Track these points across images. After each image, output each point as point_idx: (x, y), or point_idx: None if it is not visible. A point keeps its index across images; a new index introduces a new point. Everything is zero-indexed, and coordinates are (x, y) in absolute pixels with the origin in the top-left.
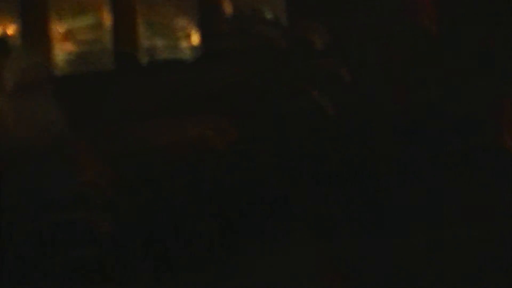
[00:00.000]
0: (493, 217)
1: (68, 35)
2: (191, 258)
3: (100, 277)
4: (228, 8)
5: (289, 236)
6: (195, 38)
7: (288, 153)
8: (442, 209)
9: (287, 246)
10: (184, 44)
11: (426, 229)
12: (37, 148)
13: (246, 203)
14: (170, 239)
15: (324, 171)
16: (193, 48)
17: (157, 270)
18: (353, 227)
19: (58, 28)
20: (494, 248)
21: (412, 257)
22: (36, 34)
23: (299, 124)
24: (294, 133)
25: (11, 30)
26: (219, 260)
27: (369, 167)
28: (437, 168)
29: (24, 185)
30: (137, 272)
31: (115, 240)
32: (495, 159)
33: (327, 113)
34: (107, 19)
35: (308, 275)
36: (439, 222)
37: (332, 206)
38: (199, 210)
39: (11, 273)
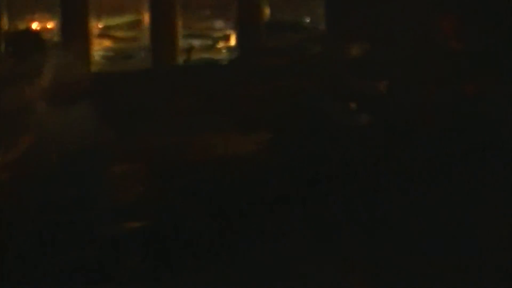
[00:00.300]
0: None
1: (106, 34)
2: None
3: None
4: (267, 12)
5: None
6: (233, 40)
7: (328, 168)
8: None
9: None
10: (222, 45)
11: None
12: (74, 147)
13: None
14: None
15: (364, 186)
16: (231, 50)
17: None
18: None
19: (96, 26)
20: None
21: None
22: (74, 32)
23: (340, 138)
24: (336, 148)
25: (49, 27)
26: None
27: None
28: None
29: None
30: None
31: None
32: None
33: (366, 126)
34: (146, 18)
35: None
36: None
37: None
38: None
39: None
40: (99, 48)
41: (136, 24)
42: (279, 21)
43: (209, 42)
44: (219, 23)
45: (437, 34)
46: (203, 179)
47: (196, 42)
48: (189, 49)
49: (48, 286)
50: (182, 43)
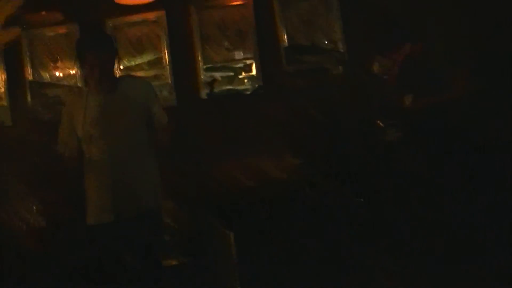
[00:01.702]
0: None
1: (129, 72)
2: None
3: None
4: (287, 40)
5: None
6: (255, 70)
7: (361, 187)
8: None
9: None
10: (244, 76)
11: None
12: None
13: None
14: None
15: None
16: (254, 80)
17: None
18: None
19: (117, 68)
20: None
21: None
22: None
23: (371, 158)
24: (367, 168)
25: (72, 73)
26: None
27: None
28: None
29: None
30: None
31: None
32: None
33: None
34: (166, 56)
35: None
36: None
37: None
38: None
39: None
40: None
41: (156, 62)
42: (298, 45)
43: (231, 73)
44: (239, 54)
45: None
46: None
47: (218, 74)
48: (212, 82)
49: None
50: (204, 76)
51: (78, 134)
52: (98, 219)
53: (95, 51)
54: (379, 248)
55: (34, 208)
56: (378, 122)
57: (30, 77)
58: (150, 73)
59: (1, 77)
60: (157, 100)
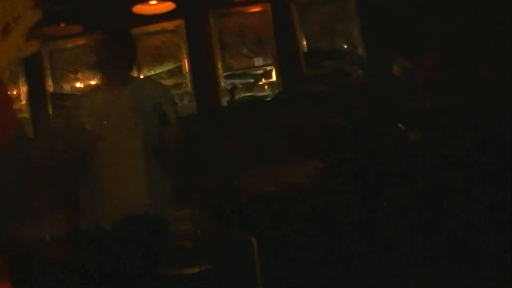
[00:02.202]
0: None
1: None
2: None
3: None
4: (306, 46)
5: None
6: (275, 76)
7: (383, 193)
8: None
9: None
10: (264, 82)
11: None
12: None
13: None
14: None
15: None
16: (274, 84)
17: None
18: None
19: (140, 74)
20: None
21: None
22: None
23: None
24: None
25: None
26: None
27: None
28: None
29: None
30: None
31: None
32: None
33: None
34: (186, 64)
35: None
36: None
37: None
38: None
39: None
40: None
41: (176, 71)
42: (317, 50)
43: (251, 80)
44: (258, 60)
45: None
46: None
47: (238, 82)
48: (232, 89)
49: None
50: (224, 84)
51: (79, 132)
52: (95, 222)
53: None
54: (400, 255)
55: (54, 218)
56: (399, 124)
57: (51, 89)
58: (170, 82)
59: (22, 89)
60: (170, 102)
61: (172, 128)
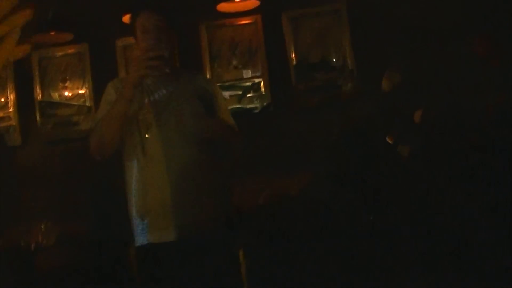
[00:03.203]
0: None
1: None
2: None
3: None
4: (296, 58)
5: None
6: (264, 89)
7: (380, 203)
8: None
9: None
10: (252, 95)
11: None
12: None
13: None
14: None
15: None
16: (262, 99)
17: None
18: None
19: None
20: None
21: None
22: None
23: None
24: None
25: (81, 93)
26: None
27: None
28: None
29: None
30: None
31: None
32: None
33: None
34: None
35: None
36: None
37: None
38: None
39: None
40: None
41: None
42: (307, 62)
43: (239, 91)
44: (247, 72)
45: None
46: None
47: (226, 93)
48: None
49: None
50: None
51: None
52: (156, 237)
53: (152, 9)
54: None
55: (43, 227)
56: (388, 138)
57: (40, 97)
58: None
59: (10, 97)
60: (224, 101)
61: (217, 122)
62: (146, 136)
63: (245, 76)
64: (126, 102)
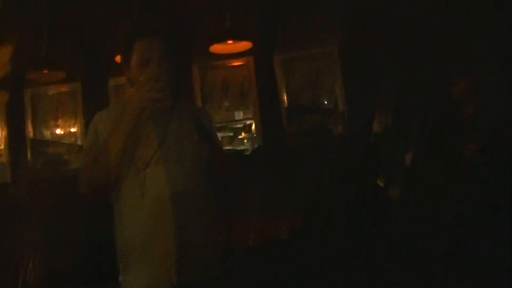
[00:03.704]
0: None
1: None
2: None
3: None
4: (288, 100)
5: None
6: (255, 131)
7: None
8: None
9: None
10: (243, 136)
11: None
12: None
13: None
14: None
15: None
16: (253, 140)
17: None
18: None
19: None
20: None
21: None
22: None
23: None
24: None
25: (73, 131)
26: None
27: None
28: None
29: None
30: None
31: None
32: None
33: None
34: None
35: None
36: None
37: None
38: None
39: None
40: None
41: None
42: (299, 105)
43: (230, 133)
44: (238, 114)
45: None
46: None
47: (218, 135)
48: None
49: None
50: None
51: (118, 160)
52: (154, 283)
53: (153, 36)
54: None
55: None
56: (378, 182)
57: (31, 135)
58: None
59: (2, 134)
60: (214, 129)
61: (213, 145)
62: (144, 174)
63: (236, 118)
64: (124, 137)
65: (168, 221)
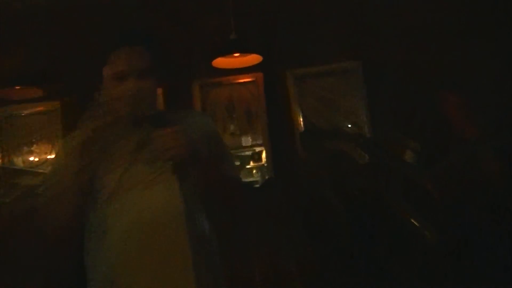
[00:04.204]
0: None
1: None
2: None
3: None
4: (303, 123)
5: None
6: (266, 159)
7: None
8: None
9: None
10: (252, 166)
11: None
12: None
13: None
14: None
15: None
16: (264, 171)
17: None
18: None
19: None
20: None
21: None
22: None
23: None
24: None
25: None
26: None
27: None
28: None
29: None
30: None
31: None
32: None
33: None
34: None
35: None
36: None
37: None
38: None
39: None
40: None
41: None
42: (316, 129)
43: (237, 162)
44: (246, 139)
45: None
46: None
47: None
48: None
49: None
50: None
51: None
52: None
53: (132, 48)
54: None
55: None
56: (413, 221)
57: None
58: None
59: None
60: (222, 142)
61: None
62: (106, 207)
63: (244, 144)
64: (74, 165)
65: (137, 266)
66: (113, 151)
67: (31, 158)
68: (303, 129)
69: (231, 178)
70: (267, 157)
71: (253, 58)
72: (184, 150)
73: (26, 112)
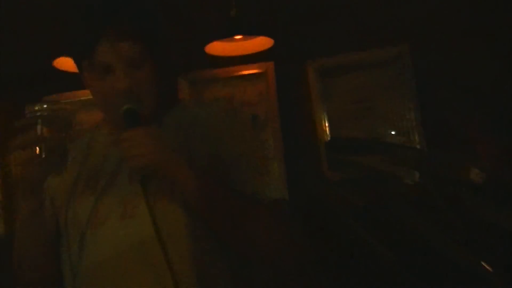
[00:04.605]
0: None
1: None
2: None
3: None
4: (330, 131)
5: None
6: (279, 176)
7: None
8: None
9: None
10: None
11: None
12: None
13: None
14: None
15: None
16: (277, 191)
17: None
18: None
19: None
20: None
21: None
22: None
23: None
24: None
25: None
26: None
27: None
28: None
29: None
30: None
31: None
32: None
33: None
34: None
35: None
36: None
37: None
38: None
39: None
40: None
41: None
42: (346, 139)
43: None
44: None
45: None
46: None
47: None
48: None
49: None
50: None
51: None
52: None
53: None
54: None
55: None
56: (483, 264)
57: None
58: None
59: None
60: (237, 150)
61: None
62: (77, 246)
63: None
64: (32, 203)
65: None
66: (84, 178)
67: None
68: (328, 139)
69: (242, 196)
70: (281, 173)
71: (262, 42)
72: (155, 158)
73: None
